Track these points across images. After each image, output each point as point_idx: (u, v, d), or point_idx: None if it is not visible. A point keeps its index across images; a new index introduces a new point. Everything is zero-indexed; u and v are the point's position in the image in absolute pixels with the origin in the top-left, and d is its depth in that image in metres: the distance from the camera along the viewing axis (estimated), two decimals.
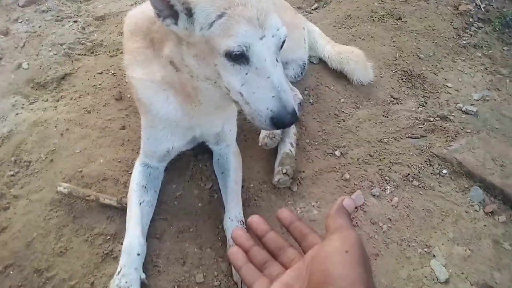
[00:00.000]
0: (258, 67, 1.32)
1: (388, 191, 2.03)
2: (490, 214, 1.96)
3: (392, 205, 1.98)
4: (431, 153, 2.18)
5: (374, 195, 2.01)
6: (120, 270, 1.60)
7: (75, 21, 2.91)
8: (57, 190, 1.88)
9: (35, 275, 1.69)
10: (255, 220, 1.16)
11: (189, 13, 1.32)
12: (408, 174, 2.10)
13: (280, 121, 1.34)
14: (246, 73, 1.33)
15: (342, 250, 0.88)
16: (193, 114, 1.66)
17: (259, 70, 1.32)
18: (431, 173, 2.12)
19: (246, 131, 2.25)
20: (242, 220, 1.79)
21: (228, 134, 1.95)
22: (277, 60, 1.36)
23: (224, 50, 1.28)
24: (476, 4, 3.06)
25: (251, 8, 1.28)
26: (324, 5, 3.15)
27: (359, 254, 0.87)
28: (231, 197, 1.88)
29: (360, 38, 2.83)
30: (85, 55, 2.69)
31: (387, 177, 2.08)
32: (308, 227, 1.10)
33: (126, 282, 1.57)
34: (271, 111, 1.33)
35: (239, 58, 1.30)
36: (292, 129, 2.18)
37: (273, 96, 1.32)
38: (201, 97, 1.56)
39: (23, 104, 2.36)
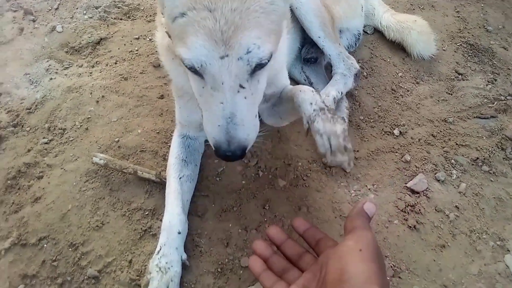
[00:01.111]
0: (212, 87, 1.10)
1: (455, 176, 1.81)
2: None
3: (459, 192, 1.76)
4: (503, 136, 1.94)
5: (438, 180, 1.79)
6: (160, 249, 1.46)
7: None
8: (92, 161, 1.74)
9: (70, 249, 1.57)
10: (273, 230, 1.27)
11: None
12: (477, 158, 1.86)
13: (218, 154, 1.18)
14: (203, 87, 1.13)
15: (356, 249, 0.93)
16: None
17: (213, 90, 1.10)
18: (503, 158, 1.88)
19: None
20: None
21: (276, 89, 1.62)
22: (241, 86, 1.10)
23: (179, 56, 1.07)
24: None
25: (218, 17, 0.99)
26: None
27: (372, 252, 0.92)
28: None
29: (420, 8, 2.56)
30: (121, 19, 2.53)
31: (453, 161, 1.86)
32: (322, 233, 1.21)
33: (167, 263, 1.43)
34: (213, 138, 1.17)
35: (192, 70, 1.09)
36: (344, 103, 1.97)
37: (219, 125, 1.13)
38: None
39: (57, 69, 2.23)
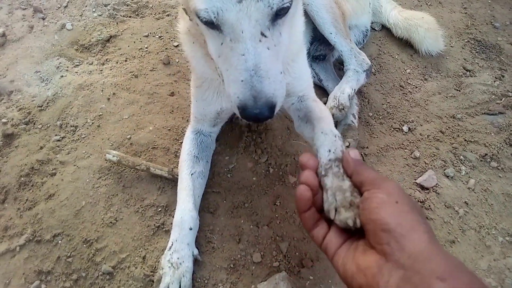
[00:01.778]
0: (232, 39, 1.01)
1: (464, 172, 1.83)
2: None
3: (468, 188, 1.78)
4: (511, 132, 1.95)
5: (448, 176, 1.81)
6: (172, 245, 1.48)
7: None
8: (105, 157, 1.76)
9: (84, 245, 1.59)
10: (305, 157, 1.15)
11: None
12: (486, 154, 1.88)
13: (245, 114, 1.05)
14: (221, 43, 1.04)
15: (392, 201, 0.89)
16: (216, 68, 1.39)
17: (233, 43, 1.01)
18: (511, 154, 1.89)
19: None
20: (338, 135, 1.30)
21: (291, 85, 1.55)
22: (263, 35, 1.02)
23: (194, 10, 1.01)
24: None
25: None
26: None
27: (408, 203, 0.89)
28: (319, 123, 1.42)
29: (427, 4, 2.57)
30: (130, 17, 2.54)
31: (461, 157, 1.87)
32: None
33: (178, 258, 1.45)
34: (238, 97, 1.03)
35: (210, 24, 1.02)
36: (354, 99, 1.99)
37: (242, 80, 1.01)
38: (210, 50, 1.25)
39: (67, 67, 2.25)
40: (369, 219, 0.91)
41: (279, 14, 1.02)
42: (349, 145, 1.81)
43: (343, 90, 1.88)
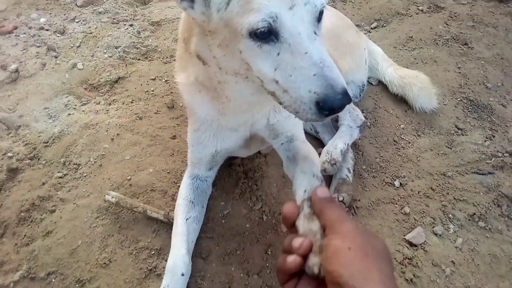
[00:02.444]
0: (291, 44, 1.07)
1: (452, 230, 1.87)
2: None
3: (456, 247, 1.81)
4: (500, 193, 2.01)
5: (436, 234, 1.85)
6: None
7: (131, 25, 2.90)
8: (105, 198, 1.82)
9: (77, 285, 1.63)
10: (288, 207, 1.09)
11: None
12: (474, 214, 1.93)
13: (328, 105, 1.05)
14: (278, 53, 1.10)
15: (345, 247, 0.84)
16: (225, 111, 1.49)
17: (293, 47, 1.07)
18: (499, 215, 1.94)
19: None
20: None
21: (282, 124, 1.64)
22: (315, 33, 1.11)
23: (247, 29, 1.07)
24: None
25: None
26: (384, 25, 3.03)
27: (361, 247, 0.83)
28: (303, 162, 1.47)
29: (423, 62, 2.68)
30: (139, 59, 2.66)
31: (450, 215, 1.92)
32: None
33: None
34: (314, 93, 1.05)
35: (266, 35, 1.07)
36: (350, 154, 2.06)
37: (314, 75, 1.05)
38: (229, 93, 1.37)
39: (75, 105, 2.35)
40: (326, 270, 0.86)
41: (319, 18, 1.13)
42: (343, 199, 1.87)
43: (336, 145, 1.96)
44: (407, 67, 2.57)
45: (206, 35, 1.23)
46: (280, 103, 1.16)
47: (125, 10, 3.07)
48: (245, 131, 1.63)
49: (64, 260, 1.69)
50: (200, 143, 1.68)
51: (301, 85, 1.07)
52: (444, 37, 2.83)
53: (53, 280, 1.64)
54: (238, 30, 1.09)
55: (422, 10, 3.09)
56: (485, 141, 2.25)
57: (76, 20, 2.93)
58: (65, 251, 1.71)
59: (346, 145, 1.99)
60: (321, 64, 1.06)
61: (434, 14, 3.04)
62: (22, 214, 1.85)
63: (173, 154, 2.11)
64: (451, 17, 2.99)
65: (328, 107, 1.05)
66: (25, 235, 1.78)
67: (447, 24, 2.94)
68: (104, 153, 2.08)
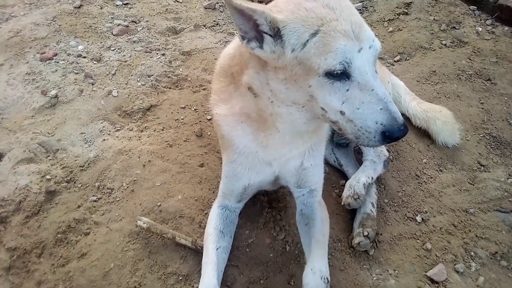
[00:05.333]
0: (360, 82, 1.27)
1: (474, 268, 1.89)
2: None
3: (477, 285, 1.83)
4: None
5: (457, 271, 1.88)
6: None
7: (163, 54, 3.05)
8: (137, 224, 1.92)
9: None
10: None
11: (277, 34, 1.28)
12: (496, 252, 1.94)
13: (392, 135, 1.27)
14: (347, 90, 1.28)
15: None
16: (268, 143, 1.61)
17: (361, 85, 1.27)
18: None
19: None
20: (327, 278, 1.61)
21: (310, 173, 1.82)
22: (376, 72, 1.30)
23: (324, 69, 1.24)
24: None
25: (344, 22, 1.24)
26: (408, 58, 3.10)
27: None
28: (316, 247, 1.71)
29: (445, 96, 2.73)
30: (170, 88, 2.79)
31: (472, 253, 1.94)
32: None
33: None
34: (381, 124, 1.27)
35: (340, 75, 1.26)
36: (373, 188, 2.11)
37: (381, 109, 1.26)
38: (280, 124, 1.50)
39: (109, 131, 2.48)
40: None
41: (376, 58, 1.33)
42: (368, 234, 1.91)
43: (359, 179, 2.01)
44: (430, 101, 2.63)
45: (266, 69, 1.37)
46: (340, 129, 1.37)
47: (158, 39, 3.22)
48: (278, 166, 1.74)
49: (97, 282, 1.78)
50: (235, 175, 1.78)
51: (369, 117, 1.28)
52: (467, 72, 2.88)
53: None
54: (314, 69, 1.25)
55: (445, 45, 3.15)
56: (507, 178, 2.27)
57: (112, 48, 3.10)
58: (98, 273, 1.80)
59: (370, 178, 2.04)
60: (385, 100, 1.27)
61: (458, 49, 3.09)
62: (59, 235, 1.96)
63: (201, 181, 2.20)
64: (474, 52, 3.04)
65: (392, 137, 1.27)
66: (61, 256, 1.88)
67: (470, 59, 2.99)
68: (136, 178, 2.19)
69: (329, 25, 1.24)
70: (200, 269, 1.74)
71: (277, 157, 1.71)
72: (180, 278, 1.80)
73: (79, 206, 2.08)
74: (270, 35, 1.29)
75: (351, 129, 1.32)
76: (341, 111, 1.31)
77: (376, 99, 1.27)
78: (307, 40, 1.25)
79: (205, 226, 1.90)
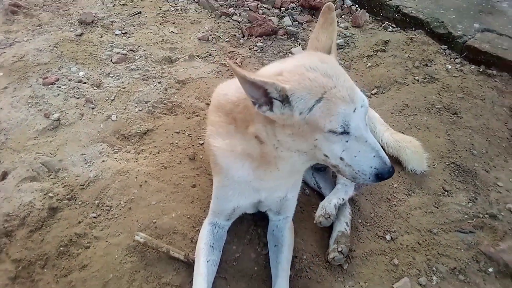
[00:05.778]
0: (356, 135, 1.55)
1: (434, 282, 2.13)
2: None
3: None
4: (478, 250, 2.27)
5: (420, 284, 2.11)
6: None
7: (159, 82, 3.29)
8: (134, 238, 2.11)
9: None
10: None
11: (285, 100, 1.53)
12: (455, 268, 2.19)
13: (383, 176, 1.58)
14: (347, 141, 1.56)
15: None
16: (265, 177, 1.86)
17: (357, 137, 1.55)
18: (477, 270, 2.19)
19: (302, 204, 2.43)
20: None
21: (290, 203, 2.12)
22: (367, 125, 1.60)
23: (328, 129, 1.51)
24: None
25: (342, 88, 1.51)
26: (384, 92, 3.40)
27: None
28: (281, 275, 2.00)
29: (416, 128, 3.02)
30: (165, 114, 3.02)
31: (434, 268, 2.18)
32: None
33: None
34: (375, 168, 1.58)
35: (339, 133, 1.53)
36: (348, 209, 2.35)
37: (374, 156, 1.57)
38: (281, 165, 1.77)
39: (108, 153, 2.68)
40: None
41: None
42: (342, 250, 2.14)
43: (330, 201, 2.26)
44: (402, 132, 2.90)
45: (275, 126, 1.63)
46: (338, 171, 1.66)
47: (154, 68, 3.47)
48: (265, 194, 2.01)
49: None
50: (226, 198, 2.02)
51: (364, 163, 1.58)
52: (436, 106, 3.19)
53: None
54: (320, 127, 1.53)
55: (418, 80, 3.47)
56: (468, 202, 2.54)
57: (111, 75, 3.33)
58: (99, 283, 1.98)
59: (341, 199, 2.29)
60: (376, 148, 1.58)
61: (429, 85, 3.41)
62: (61, 248, 2.13)
63: (193, 201, 2.41)
64: (443, 88, 3.35)
65: (385, 177, 1.59)
66: (63, 267, 2.06)
67: (439, 94, 3.30)
68: (133, 197, 2.39)
69: (330, 93, 1.50)
70: (192, 280, 1.95)
71: (268, 187, 1.98)
72: None
73: (80, 222, 2.27)
74: (279, 100, 1.54)
75: (349, 172, 1.62)
76: (341, 157, 1.59)
77: (370, 148, 1.57)
78: (313, 105, 1.52)
79: (196, 241, 2.11)
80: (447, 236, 2.34)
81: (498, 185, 2.65)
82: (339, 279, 2.13)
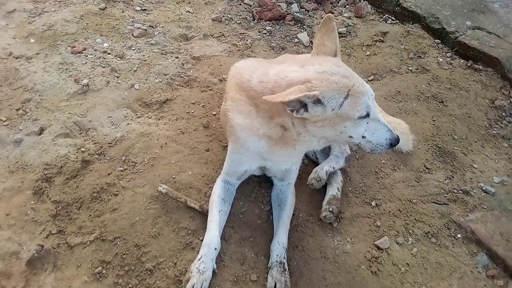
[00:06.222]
0: (372, 117, 2.03)
1: (410, 242, 2.51)
2: (491, 277, 2.40)
3: (411, 254, 2.45)
4: (450, 219, 2.66)
5: (398, 243, 2.49)
6: (201, 257, 2.15)
7: (177, 57, 3.61)
8: (157, 189, 2.47)
9: (135, 248, 2.26)
10: None
11: (316, 101, 1.91)
12: (428, 232, 2.57)
13: (395, 143, 2.10)
14: (367, 122, 2.03)
15: None
16: (277, 153, 2.24)
17: (374, 118, 2.04)
18: (447, 235, 2.58)
19: (301, 171, 2.75)
20: (286, 248, 2.29)
21: (293, 173, 2.50)
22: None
23: (358, 116, 1.96)
24: (511, 101, 3.56)
25: (359, 84, 1.97)
26: (379, 79, 3.74)
27: None
28: (282, 227, 2.37)
29: (406, 113, 3.37)
30: (182, 86, 3.35)
31: (410, 231, 2.57)
32: None
33: (204, 267, 2.11)
34: (389, 139, 2.08)
35: (365, 116, 1.99)
36: (340, 177, 2.72)
37: (386, 130, 2.07)
38: (299, 146, 2.19)
39: (132, 117, 3.02)
40: None
41: None
42: (333, 210, 2.51)
43: (323, 167, 2.63)
44: (393, 116, 3.25)
45: (305, 121, 2.00)
46: (359, 147, 2.16)
47: (172, 44, 3.77)
48: (272, 164, 2.38)
49: (126, 230, 2.32)
50: (239, 162, 2.38)
51: (381, 137, 2.08)
52: (425, 95, 3.53)
53: (118, 242, 2.27)
54: (350, 117, 1.97)
55: (411, 70, 3.80)
56: (445, 179, 2.91)
57: (133, 48, 3.64)
58: (127, 224, 2.35)
59: (332, 168, 2.65)
60: (386, 124, 2.08)
61: (420, 75, 3.75)
62: (94, 194, 2.49)
63: (206, 163, 2.76)
64: (433, 78, 3.70)
65: (395, 144, 2.11)
66: (96, 210, 2.42)
67: (429, 84, 3.64)
68: (155, 156, 2.74)
69: (353, 90, 1.94)
70: (205, 227, 2.31)
71: (274, 160, 2.35)
72: (189, 232, 2.36)
73: (109, 174, 2.61)
74: (312, 103, 1.91)
75: (369, 146, 2.09)
76: (363, 136, 2.05)
77: (383, 125, 2.07)
78: (342, 102, 1.93)
79: (209, 195, 2.46)
80: (424, 206, 2.72)
81: (473, 166, 3.03)
82: (329, 234, 2.51)
